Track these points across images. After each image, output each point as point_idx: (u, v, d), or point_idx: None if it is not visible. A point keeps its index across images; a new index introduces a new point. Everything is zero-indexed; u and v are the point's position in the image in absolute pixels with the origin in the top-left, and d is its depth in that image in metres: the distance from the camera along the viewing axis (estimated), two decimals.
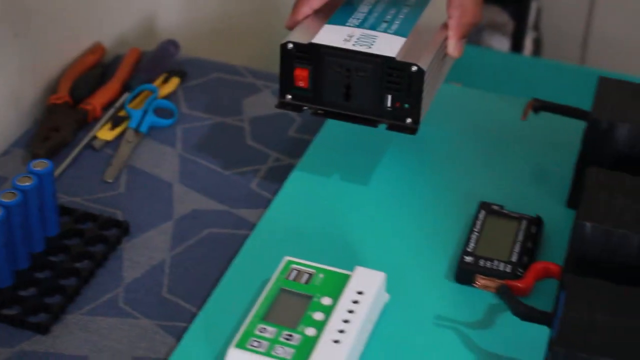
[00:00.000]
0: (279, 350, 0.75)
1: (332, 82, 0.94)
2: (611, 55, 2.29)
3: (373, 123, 0.95)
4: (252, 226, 0.95)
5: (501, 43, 2.13)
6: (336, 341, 0.76)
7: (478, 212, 0.93)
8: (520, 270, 0.87)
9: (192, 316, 0.85)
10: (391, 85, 0.92)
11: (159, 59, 1.15)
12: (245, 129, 1.09)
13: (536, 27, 2.22)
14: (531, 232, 0.91)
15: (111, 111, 1.09)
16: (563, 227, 0.93)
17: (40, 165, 0.89)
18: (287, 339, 0.76)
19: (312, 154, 1.03)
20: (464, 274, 0.87)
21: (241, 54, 1.48)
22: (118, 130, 1.06)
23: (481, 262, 0.87)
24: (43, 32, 1.11)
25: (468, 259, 0.88)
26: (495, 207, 0.94)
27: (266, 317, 0.78)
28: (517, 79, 1.11)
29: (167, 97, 1.12)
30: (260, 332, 0.77)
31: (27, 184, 0.87)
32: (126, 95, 1.10)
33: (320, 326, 0.77)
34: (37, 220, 0.89)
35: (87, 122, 1.08)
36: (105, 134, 1.06)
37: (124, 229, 0.93)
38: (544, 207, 0.97)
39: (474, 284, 0.82)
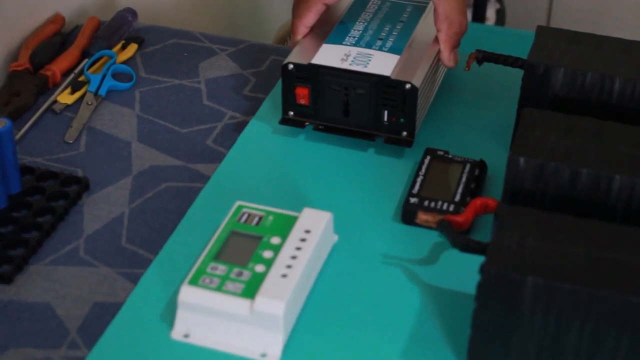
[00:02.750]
0: (229, 286, 0.79)
1: (331, 100, 0.99)
2: (576, 24, 2.33)
3: (371, 137, 1.00)
4: (207, 179, 0.98)
5: None
6: (284, 275, 0.80)
7: (424, 157, 0.97)
8: (463, 209, 0.91)
9: (150, 263, 0.88)
10: (387, 102, 0.98)
11: (117, 27, 1.19)
12: (202, 90, 1.12)
13: None
14: (474, 175, 0.95)
15: (71, 76, 1.12)
16: None
17: None
18: (238, 276, 0.80)
19: (265, 110, 1.07)
20: (409, 215, 0.91)
21: (197, 22, 1.51)
22: (78, 94, 1.10)
23: (425, 203, 0.91)
24: (4, 5, 1.14)
25: (413, 200, 0.92)
26: (440, 153, 0.98)
27: (218, 256, 0.82)
28: (480, 48, 1.15)
29: (126, 62, 1.16)
30: (212, 270, 0.81)
31: None
32: (85, 61, 1.14)
33: (269, 263, 0.81)
34: None
35: (47, 88, 1.11)
36: (66, 98, 1.09)
37: (84, 185, 0.97)
38: (489, 152, 1.01)
39: (416, 221, 0.86)
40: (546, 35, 0.99)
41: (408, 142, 0.99)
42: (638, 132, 0.87)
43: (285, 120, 1.02)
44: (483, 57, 1.03)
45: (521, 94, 0.97)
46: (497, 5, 2.25)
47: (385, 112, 0.98)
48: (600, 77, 0.93)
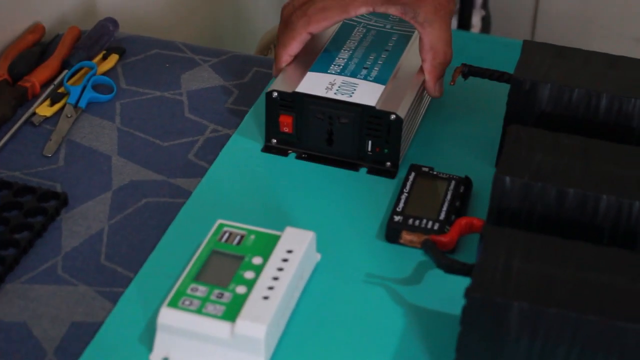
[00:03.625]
0: (210, 308, 0.78)
1: (315, 128, 0.98)
2: (561, 32, 2.33)
3: (355, 167, 0.99)
4: (188, 195, 0.97)
5: None
6: (265, 297, 0.78)
7: (408, 174, 0.96)
8: (448, 228, 0.89)
9: (130, 281, 0.87)
10: (371, 132, 0.97)
11: (98, 37, 1.17)
12: (184, 102, 1.10)
13: (484, 6, 2.25)
14: (459, 192, 0.94)
15: (50, 88, 1.10)
16: None
17: None
18: (219, 297, 0.78)
19: (248, 123, 1.06)
20: (393, 233, 0.90)
21: (180, 32, 1.50)
22: (57, 106, 1.08)
23: (410, 221, 0.90)
24: None
25: (397, 218, 0.90)
26: (425, 169, 0.97)
27: (198, 277, 0.80)
28: (465, 56, 1.14)
29: (106, 73, 1.14)
30: (192, 291, 0.79)
31: None
32: (65, 72, 1.12)
33: (250, 284, 0.80)
34: None
35: (26, 99, 1.09)
36: (45, 110, 1.07)
37: (62, 201, 0.95)
38: (474, 169, 0.99)
39: (400, 240, 0.85)
40: (532, 50, 0.98)
41: (391, 173, 0.98)
42: (625, 151, 0.86)
43: (268, 148, 1.01)
44: (469, 71, 1.02)
45: (507, 109, 0.96)
46: (483, 13, 2.24)
47: (369, 142, 0.97)
48: (587, 94, 0.92)
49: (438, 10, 0.97)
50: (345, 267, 0.88)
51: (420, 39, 0.99)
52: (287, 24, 1.01)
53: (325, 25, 1.00)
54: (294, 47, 1.01)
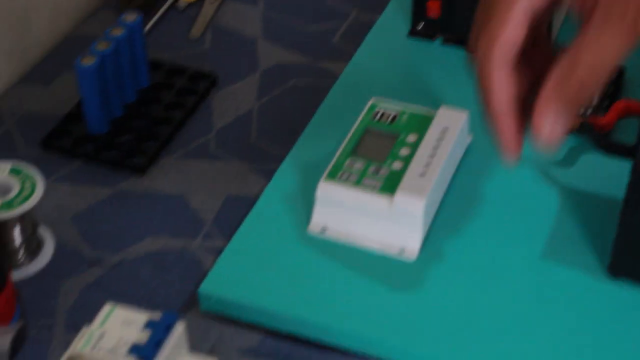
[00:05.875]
0: (367, 182, 0.78)
1: (462, 12, 0.96)
2: None
3: None
4: (335, 77, 0.97)
5: None
6: (422, 174, 0.78)
7: None
8: (602, 113, 0.88)
9: (282, 159, 0.88)
10: None
11: None
12: None
13: None
14: (612, 78, 0.92)
15: None
16: None
17: (130, 17, 0.91)
18: (375, 172, 0.79)
19: (393, 8, 1.05)
20: None
21: None
22: None
23: None
24: None
25: None
26: None
27: (354, 152, 0.81)
28: None
29: None
30: (349, 165, 0.80)
31: (118, 34, 0.90)
32: None
33: (407, 161, 0.80)
34: (129, 70, 0.92)
35: None
36: None
37: (212, 81, 0.96)
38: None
39: None
40: None
41: None
42: None
43: (414, 33, 1.00)
44: None
45: None
46: None
47: None
48: None
49: None
50: (496, 149, 0.87)
51: None
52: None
53: None
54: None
